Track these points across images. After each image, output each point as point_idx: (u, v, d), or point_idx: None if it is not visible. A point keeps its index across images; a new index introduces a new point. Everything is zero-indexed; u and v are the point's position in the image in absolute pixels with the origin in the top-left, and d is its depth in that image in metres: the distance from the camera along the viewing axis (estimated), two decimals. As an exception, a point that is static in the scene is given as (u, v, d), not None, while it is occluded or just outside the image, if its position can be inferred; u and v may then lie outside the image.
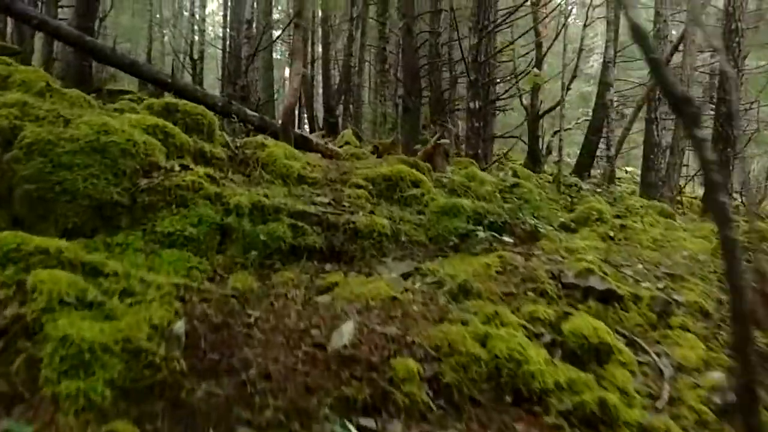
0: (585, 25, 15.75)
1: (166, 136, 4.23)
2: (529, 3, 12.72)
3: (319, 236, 3.92)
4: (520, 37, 11.98)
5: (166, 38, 27.92)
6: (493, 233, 3.88)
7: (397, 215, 4.54)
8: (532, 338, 2.57)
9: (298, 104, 20.31)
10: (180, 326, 2.21)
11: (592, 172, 20.05)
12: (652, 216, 6.46)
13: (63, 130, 3.66)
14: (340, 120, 22.70)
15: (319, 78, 25.12)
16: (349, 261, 3.91)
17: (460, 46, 7.86)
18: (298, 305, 2.90)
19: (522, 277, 3.27)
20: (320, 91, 25.18)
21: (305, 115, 27.62)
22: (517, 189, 5.76)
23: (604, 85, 19.15)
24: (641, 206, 6.87)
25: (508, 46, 10.77)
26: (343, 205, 4.45)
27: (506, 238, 3.88)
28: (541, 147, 21.14)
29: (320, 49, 24.68)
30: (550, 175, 21.01)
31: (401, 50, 12.26)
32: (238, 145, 5.06)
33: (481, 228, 4.11)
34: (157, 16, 27.90)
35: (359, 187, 4.88)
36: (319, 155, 6.54)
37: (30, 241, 2.38)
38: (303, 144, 7.38)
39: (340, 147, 15.57)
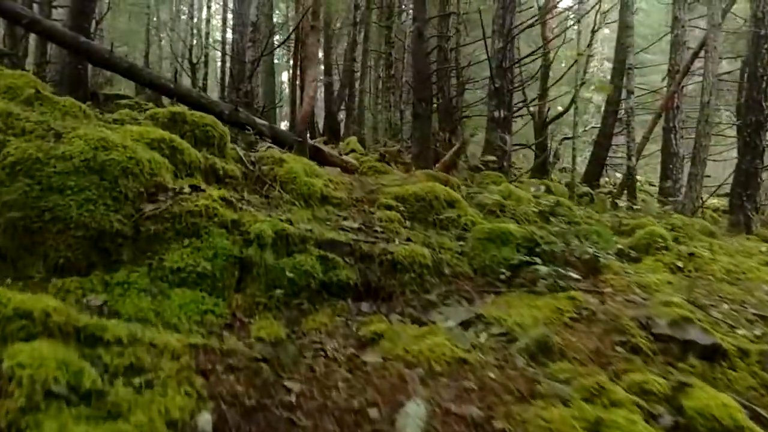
0: (594, 30, 15.31)
1: (173, 151, 3.67)
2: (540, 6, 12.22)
3: (352, 269, 3.37)
4: (548, 41, 11.41)
5: (163, 42, 27.39)
6: (556, 267, 3.33)
7: (436, 241, 4.00)
8: (648, 420, 2.02)
9: (300, 105, 19.80)
10: (206, 420, 1.65)
11: (601, 180, 19.60)
12: (699, 236, 5.93)
13: (54, 146, 3.10)
14: (342, 126, 22.18)
15: (320, 83, 24.67)
16: (387, 298, 3.36)
17: (486, 51, 7.30)
18: (343, 369, 2.34)
19: (604, 326, 2.73)
20: (320, 95, 24.69)
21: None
22: (560, 208, 5.21)
23: (618, 91, 18.69)
24: (683, 224, 6.34)
25: (537, 50, 10.25)
26: (375, 231, 3.90)
27: (572, 274, 3.33)
28: (548, 154, 20.69)
29: (321, 54, 24.22)
30: (560, 182, 20.53)
31: (411, 54, 11.72)
32: (253, 159, 4.51)
33: (537, 259, 3.56)
34: (155, 19, 27.36)
35: (389, 208, 4.33)
36: (337, 169, 6.00)
37: (7, 300, 1.81)
38: (316, 156, 6.84)
39: (347, 154, 15.04)
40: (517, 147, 23.69)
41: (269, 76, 17.47)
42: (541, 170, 20.73)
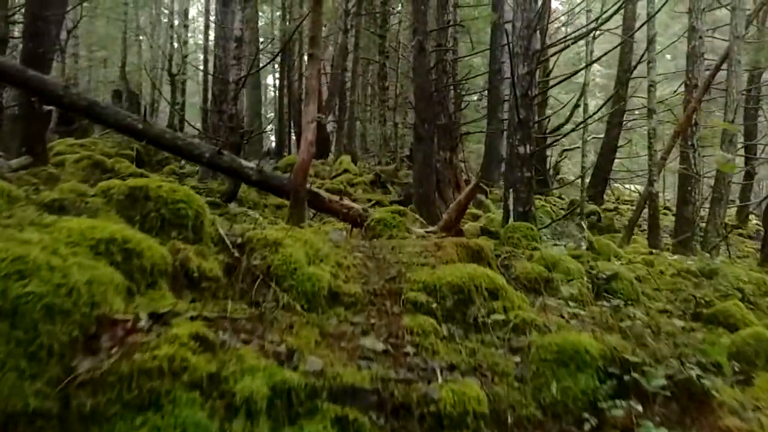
0: (593, 37, 14.41)
1: (127, 256, 2.64)
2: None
3: (382, 433, 2.36)
4: (589, 65, 10.38)
5: (144, 47, 26.13)
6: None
7: (485, 360, 2.99)
8: None
9: (288, 123, 18.72)
10: None
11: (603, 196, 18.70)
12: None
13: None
14: (332, 138, 21.12)
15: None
16: (434, 477, 2.35)
17: (512, 71, 6.30)
18: None
19: None
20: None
21: (293, 132, 26.06)
22: (618, 283, 4.24)
23: (623, 104, 17.84)
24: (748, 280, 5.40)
25: (570, 76, 9.25)
26: (407, 353, 2.88)
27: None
28: (548, 168, 19.80)
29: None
30: (559, 197, 19.64)
31: (413, 71, 10.72)
32: (240, 241, 3.47)
33: (632, 400, 2.57)
34: (134, 24, 26.14)
35: (419, 307, 3.32)
36: (341, 231, 4.97)
37: None
38: (314, 202, 5.82)
39: (338, 175, 13.98)
40: None
41: (255, 89, 16.41)
42: (541, 184, 19.83)
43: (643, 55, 11.40)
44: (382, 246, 4.37)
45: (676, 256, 9.29)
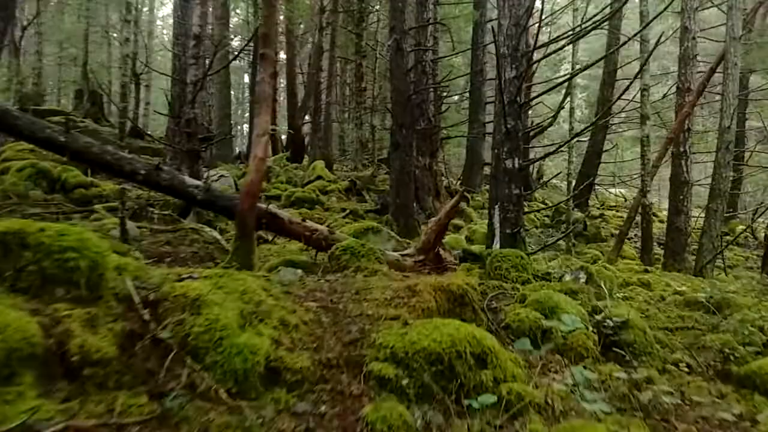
0: (578, 37, 13.77)
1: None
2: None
3: None
4: (587, 68, 9.65)
5: (115, 44, 25.02)
6: None
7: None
8: None
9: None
10: None
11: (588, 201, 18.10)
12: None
13: None
14: (306, 140, 20.28)
15: (284, 92, 22.59)
16: None
17: (499, 75, 5.54)
18: None
19: None
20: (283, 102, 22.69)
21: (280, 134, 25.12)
22: (629, 333, 3.52)
23: (605, 103, 17.22)
24: None
25: (568, 79, 8.49)
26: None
27: None
28: (531, 171, 19.17)
29: (283, 57, 22.27)
30: (542, 203, 19.00)
31: (389, 72, 9.95)
32: (154, 296, 2.67)
33: None
34: (102, 21, 25.03)
35: (385, 384, 2.55)
36: (301, 241, 4.20)
37: None
38: (272, 225, 5.03)
39: (311, 182, 13.17)
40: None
41: (224, 89, 15.52)
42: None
43: (648, 61, 10.74)
44: (344, 288, 3.59)
45: (676, 276, 8.65)
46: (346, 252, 4.62)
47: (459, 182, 15.74)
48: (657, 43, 6.66)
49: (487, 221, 11.97)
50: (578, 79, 36.28)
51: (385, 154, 18.92)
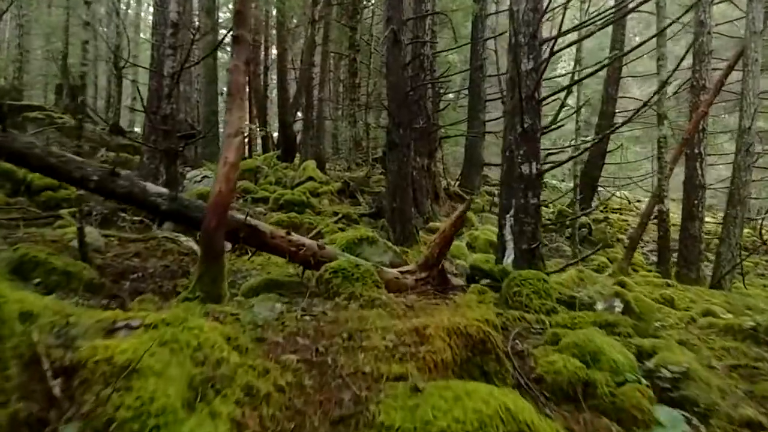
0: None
1: None
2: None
3: None
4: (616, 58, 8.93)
5: (101, 36, 24.10)
6: None
7: None
8: None
9: (250, 120, 17.04)
10: None
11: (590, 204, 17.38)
12: None
13: None
14: (298, 138, 19.48)
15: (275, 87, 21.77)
16: None
17: (515, 66, 4.79)
18: None
19: None
20: (274, 98, 21.87)
21: (258, 133, 24.34)
22: (687, 385, 2.81)
23: (612, 102, 16.55)
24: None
25: (585, 78, 7.76)
26: None
27: None
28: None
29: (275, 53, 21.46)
30: (546, 206, 18.30)
31: (386, 66, 9.21)
32: (70, 362, 1.92)
33: None
34: (85, 13, 24.07)
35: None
36: (286, 258, 3.46)
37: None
38: (251, 239, 4.29)
39: (301, 183, 12.40)
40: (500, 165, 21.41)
41: (211, 84, 14.71)
42: (524, 190, 18.46)
43: (665, 56, 10.02)
44: (334, 329, 2.84)
45: (698, 290, 7.95)
46: (337, 275, 3.88)
47: (457, 183, 15.01)
48: (658, 34, 5.93)
49: (489, 227, 11.28)
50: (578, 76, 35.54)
51: (379, 153, 18.17)
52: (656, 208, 9.65)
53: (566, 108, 20.36)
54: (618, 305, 3.83)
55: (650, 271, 11.38)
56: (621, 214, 18.07)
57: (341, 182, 12.17)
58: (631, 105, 17.88)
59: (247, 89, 3.34)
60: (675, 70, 7.24)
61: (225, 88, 16.56)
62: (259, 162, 17.97)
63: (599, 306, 3.90)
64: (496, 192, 18.86)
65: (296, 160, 18.07)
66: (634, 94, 20.80)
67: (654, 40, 9.80)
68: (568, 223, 14.09)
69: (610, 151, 16.57)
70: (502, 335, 3.19)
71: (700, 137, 10.57)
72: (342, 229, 9.74)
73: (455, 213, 5.64)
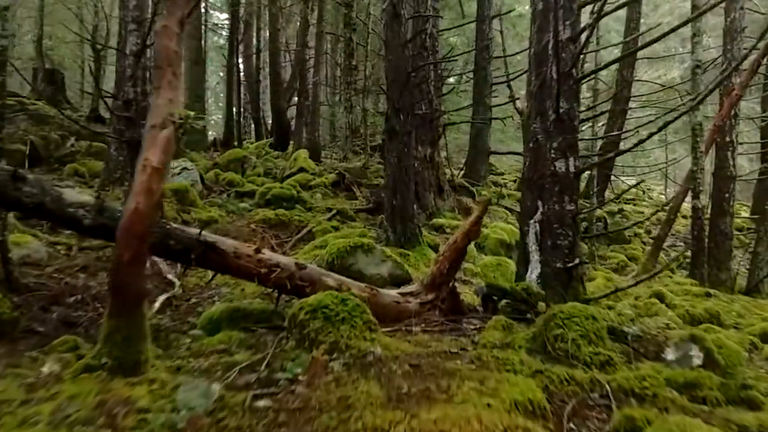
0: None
1: None
2: None
3: None
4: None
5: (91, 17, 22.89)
6: None
7: None
8: None
9: (239, 106, 15.98)
10: None
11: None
12: None
13: None
14: (292, 124, 18.39)
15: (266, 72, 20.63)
16: None
17: (553, 34, 3.73)
18: None
19: None
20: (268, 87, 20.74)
21: (251, 118, 23.26)
22: None
23: (627, 86, 15.47)
24: None
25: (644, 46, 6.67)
26: None
27: None
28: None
29: (267, 36, 20.32)
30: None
31: (384, 44, 8.14)
32: None
33: None
34: None
35: None
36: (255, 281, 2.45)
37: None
38: (208, 260, 3.28)
39: (292, 174, 11.34)
40: (506, 153, 20.30)
41: (196, 65, 13.61)
42: (531, 179, 17.37)
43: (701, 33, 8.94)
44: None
45: (743, 301, 6.95)
46: (316, 315, 2.86)
47: (461, 173, 13.93)
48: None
49: (500, 224, 10.23)
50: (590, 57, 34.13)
51: (378, 141, 17.10)
52: (687, 202, 8.62)
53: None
54: (696, 355, 2.82)
55: (672, 270, 10.39)
56: (635, 204, 17.01)
57: (336, 174, 11.12)
58: (644, 88, 16.79)
59: (177, 57, 2.40)
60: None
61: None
62: (249, 151, 16.91)
63: (670, 355, 2.89)
64: (502, 182, 17.81)
65: (290, 149, 17.02)
66: (642, 76, 19.64)
67: (670, 19, 8.73)
68: (584, 216, 13.06)
69: (624, 139, 15.50)
70: (551, 416, 2.18)
71: (732, 124, 9.52)
72: (336, 228, 8.71)
73: (468, 219, 4.62)
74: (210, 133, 15.61)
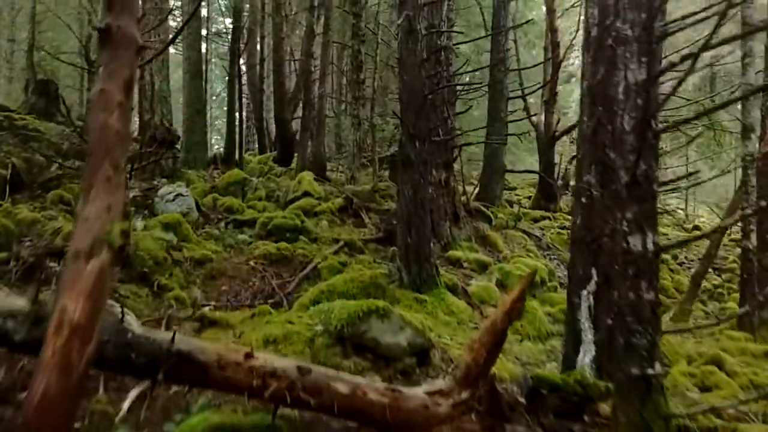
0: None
1: None
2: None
3: None
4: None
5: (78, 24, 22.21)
6: None
7: None
8: None
9: (240, 121, 15.19)
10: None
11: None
12: None
13: None
14: (296, 138, 17.59)
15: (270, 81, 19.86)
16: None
17: (622, 73, 2.94)
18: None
19: None
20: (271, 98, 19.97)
21: (254, 128, 22.54)
22: None
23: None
24: None
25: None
26: None
27: None
28: (556, 177, 16.57)
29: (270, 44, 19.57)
30: (570, 215, 16.42)
31: (399, 62, 7.33)
32: None
33: None
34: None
35: None
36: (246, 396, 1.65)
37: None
38: (183, 375, 2.49)
39: (296, 198, 10.53)
40: (523, 172, 19.43)
41: (194, 79, 12.83)
42: (546, 197, 16.57)
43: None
44: None
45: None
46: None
47: (474, 193, 13.10)
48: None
49: (524, 260, 9.34)
50: (576, 63, 33.17)
51: (386, 152, 16.28)
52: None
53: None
54: None
55: (706, 313, 9.58)
56: (670, 227, 16.10)
57: (343, 197, 10.31)
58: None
59: (119, 140, 1.81)
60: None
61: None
62: (251, 167, 16.12)
63: None
64: (516, 198, 16.96)
65: (294, 162, 16.23)
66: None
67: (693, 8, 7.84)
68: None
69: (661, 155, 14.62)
70: None
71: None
72: (343, 264, 7.90)
73: (509, 296, 3.79)
74: (214, 147, 14.83)
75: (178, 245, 7.28)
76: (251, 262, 7.68)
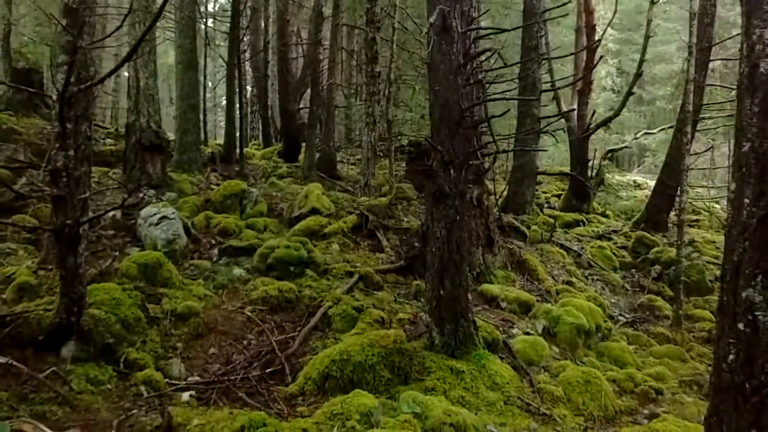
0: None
1: None
2: None
3: None
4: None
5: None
6: None
7: None
8: None
9: (240, 118, 13.74)
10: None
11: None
12: None
13: None
14: (303, 128, 16.14)
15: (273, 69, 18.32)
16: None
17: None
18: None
19: None
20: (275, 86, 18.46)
21: (258, 116, 21.13)
22: None
23: (697, 92, 13.08)
24: None
25: None
26: None
27: None
28: (590, 175, 15.09)
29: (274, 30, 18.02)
30: (602, 215, 14.97)
31: (428, 68, 5.85)
32: None
33: None
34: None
35: None
36: None
37: None
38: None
39: (302, 216, 9.10)
40: (557, 174, 17.95)
41: (188, 71, 11.36)
42: (578, 196, 15.12)
43: None
44: None
45: None
46: None
47: (502, 198, 11.63)
48: None
49: (576, 300, 7.81)
50: (609, 44, 31.22)
51: (401, 141, 14.83)
52: None
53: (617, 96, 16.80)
54: None
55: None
56: (699, 227, 14.65)
57: (356, 214, 8.92)
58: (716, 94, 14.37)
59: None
60: None
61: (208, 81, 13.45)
62: (255, 159, 14.74)
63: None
64: (545, 199, 15.53)
65: (301, 157, 14.83)
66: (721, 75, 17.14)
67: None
68: (654, 257, 10.82)
69: (697, 153, 13.15)
70: None
71: None
72: (358, 310, 6.52)
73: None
74: (207, 151, 13.42)
75: (156, 294, 5.93)
76: (247, 310, 6.33)
